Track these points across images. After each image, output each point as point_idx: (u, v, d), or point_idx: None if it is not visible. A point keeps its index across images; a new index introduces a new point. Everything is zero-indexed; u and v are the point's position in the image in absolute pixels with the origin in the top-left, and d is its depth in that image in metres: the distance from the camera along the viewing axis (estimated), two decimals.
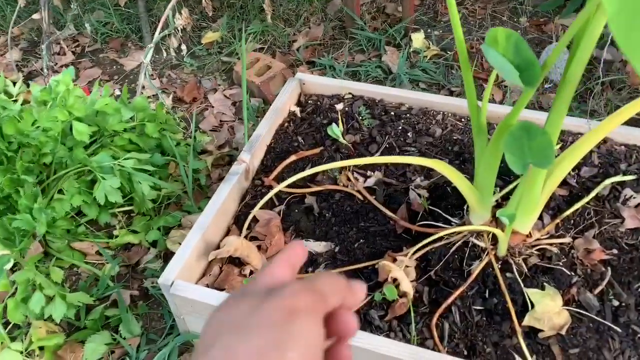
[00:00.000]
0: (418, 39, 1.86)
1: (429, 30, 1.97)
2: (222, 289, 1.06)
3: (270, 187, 1.22)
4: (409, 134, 1.31)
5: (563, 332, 0.96)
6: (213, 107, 1.79)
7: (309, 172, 1.00)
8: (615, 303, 1.00)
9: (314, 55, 1.94)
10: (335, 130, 1.25)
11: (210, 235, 1.10)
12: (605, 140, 1.24)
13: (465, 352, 0.96)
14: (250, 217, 1.00)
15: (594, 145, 0.91)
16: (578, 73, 0.72)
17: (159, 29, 1.59)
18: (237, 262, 1.10)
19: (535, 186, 0.92)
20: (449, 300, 1.00)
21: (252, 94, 1.79)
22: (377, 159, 1.01)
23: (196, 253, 1.06)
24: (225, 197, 1.13)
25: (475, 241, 1.05)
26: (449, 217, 1.12)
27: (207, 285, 1.07)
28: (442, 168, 0.96)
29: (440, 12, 2.07)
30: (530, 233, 1.05)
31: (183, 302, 1.01)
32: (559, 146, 1.23)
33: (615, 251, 1.07)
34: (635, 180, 1.16)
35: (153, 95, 1.81)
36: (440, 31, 1.98)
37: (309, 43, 1.99)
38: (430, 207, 1.17)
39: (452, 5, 0.76)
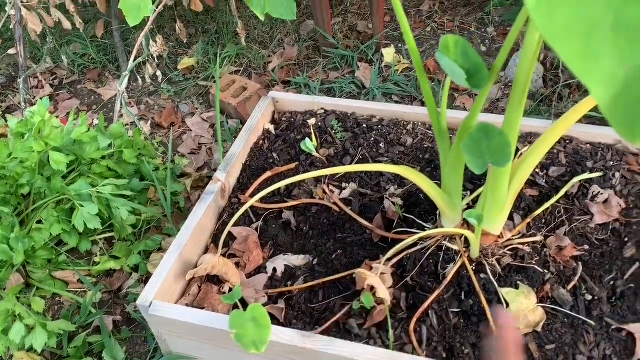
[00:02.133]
0: (389, 54, 1.90)
1: (399, 45, 2.02)
2: (201, 308, 1.06)
3: None
4: (381, 145, 1.34)
5: (539, 329, 0.97)
6: (191, 130, 1.81)
7: (280, 184, 1.02)
8: (589, 297, 1.02)
9: (289, 75, 1.98)
10: (309, 145, 1.28)
11: (187, 255, 1.11)
12: (571, 140, 1.27)
13: (444, 355, 0.97)
14: (225, 234, 1.01)
15: (554, 143, 0.93)
16: (526, 73, 0.75)
17: (132, 57, 1.62)
18: (215, 280, 1.11)
19: (500, 187, 0.94)
20: (426, 305, 1.01)
21: (230, 115, 1.81)
22: (347, 168, 1.03)
23: (174, 273, 1.07)
24: (201, 216, 1.14)
25: (449, 244, 1.07)
26: (423, 223, 1.14)
27: (187, 305, 1.08)
28: (410, 174, 0.98)
29: (410, 27, 2.11)
30: (501, 234, 1.07)
31: (163, 323, 1.01)
32: (526, 148, 1.26)
33: (586, 247, 1.09)
34: (601, 176, 1.19)
35: (131, 122, 1.83)
36: None
37: (284, 63, 2.03)
38: (405, 214, 1.19)
39: (402, 17, 0.79)
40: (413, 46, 0.83)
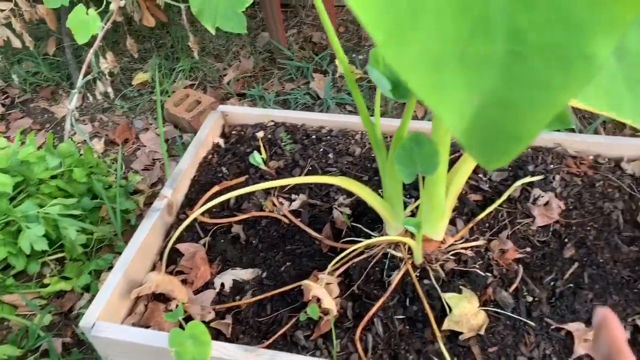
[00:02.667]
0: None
1: (353, 55, 2.04)
2: (148, 327, 1.05)
3: (195, 220, 1.23)
4: (330, 155, 1.35)
5: (482, 332, 0.99)
6: (145, 146, 1.80)
7: (227, 196, 1.02)
8: (529, 299, 1.04)
9: (245, 87, 1.98)
10: (257, 158, 1.28)
11: (133, 274, 1.10)
12: None
13: None
14: (167, 250, 1.01)
15: None
16: None
17: (81, 74, 1.60)
18: (162, 298, 1.10)
19: (436, 194, 0.96)
20: (371, 313, 1.02)
21: (184, 129, 1.80)
22: (288, 181, 1.03)
23: (119, 293, 1.05)
24: (147, 234, 1.13)
25: (393, 252, 1.08)
26: (370, 232, 1.16)
27: (134, 324, 1.06)
28: (350, 185, 0.99)
29: (363, 37, 2.14)
30: (444, 239, 1.09)
31: (107, 344, 1.00)
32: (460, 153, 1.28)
33: (528, 249, 1.11)
34: (542, 179, 1.22)
35: (83, 141, 1.81)
36: (364, 55, 2.05)
37: (240, 76, 2.03)
38: (353, 223, 1.20)
39: (329, 27, 0.80)
40: (342, 56, 0.84)
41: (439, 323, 0.99)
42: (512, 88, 0.35)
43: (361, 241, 1.14)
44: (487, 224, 1.17)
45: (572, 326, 0.98)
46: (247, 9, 0.98)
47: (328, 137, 1.40)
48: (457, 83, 0.35)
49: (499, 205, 1.18)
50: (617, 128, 1.61)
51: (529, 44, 0.34)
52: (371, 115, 0.95)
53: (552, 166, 1.24)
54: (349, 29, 2.20)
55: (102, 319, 1.01)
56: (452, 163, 1.04)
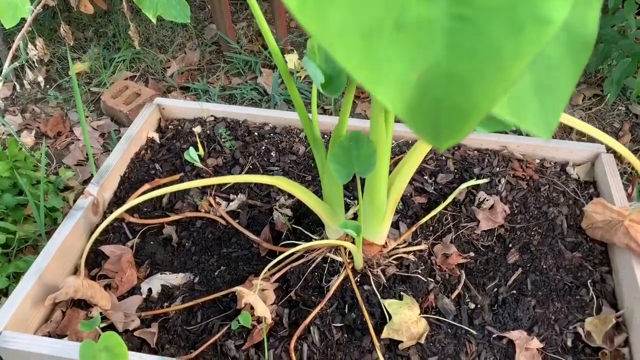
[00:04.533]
0: (292, 60, 1.86)
1: (303, 51, 1.98)
2: (64, 336, 0.96)
3: (123, 221, 1.15)
4: (272, 154, 1.28)
5: (422, 341, 0.95)
6: (79, 140, 1.68)
7: (155, 193, 0.94)
8: (472, 306, 1.00)
9: (189, 81, 1.89)
10: (192, 154, 1.20)
11: (51, 278, 1.00)
12: (459, 147, 1.27)
13: None
14: (85, 251, 0.92)
15: (429, 149, 0.91)
16: None
17: (7, 61, 1.48)
18: (83, 304, 1.02)
19: (377, 196, 0.91)
20: (307, 321, 0.96)
21: (122, 123, 1.70)
22: (223, 179, 0.96)
23: (32, 299, 0.96)
24: (67, 235, 1.04)
25: (333, 256, 1.03)
26: (311, 235, 1.10)
27: (49, 333, 0.97)
28: (286, 186, 0.93)
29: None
30: (386, 243, 1.04)
31: (15, 356, 0.91)
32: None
33: (471, 254, 1.08)
34: (488, 182, 1.19)
35: (9, 134, 1.68)
36: None
37: (184, 68, 1.94)
38: (294, 226, 1.14)
39: (258, 13, 0.74)
40: (275, 49, 0.78)
41: (379, 331, 0.94)
42: (459, 58, 0.30)
43: (301, 244, 1.08)
44: (431, 228, 1.13)
45: (514, 334, 0.95)
46: None
47: (271, 134, 1.33)
48: (393, 55, 0.29)
49: (443, 209, 1.14)
50: (564, 132, 1.61)
51: (476, 5, 0.29)
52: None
53: (498, 169, 1.22)
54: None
55: (11, 328, 0.91)
56: (395, 165, 1.00)
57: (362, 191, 0.94)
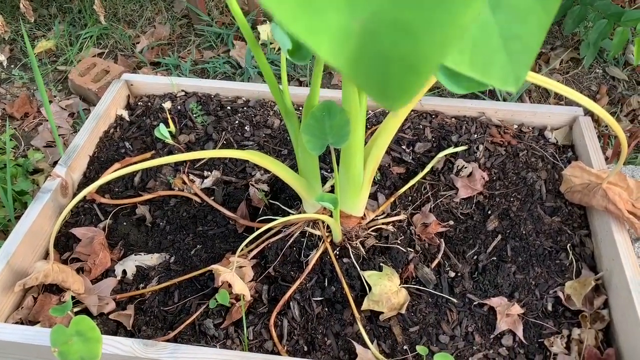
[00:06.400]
0: (265, 32, 1.81)
1: None
2: (36, 322, 0.94)
3: (94, 202, 1.11)
4: (246, 128, 1.25)
5: (403, 311, 0.94)
6: (47, 120, 1.63)
7: (125, 170, 0.91)
8: (452, 274, 1.00)
9: (160, 56, 1.83)
10: (163, 131, 1.16)
11: (20, 263, 0.97)
12: (436, 115, 1.25)
13: (305, 348, 0.91)
14: (53, 234, 0.89)
15: (404, 118, 0.89)
16: None
17: None
18: (55, 289, 0.99)
19: (353, 167, 0.88)
20: (287, 296, 0.95)
21: (91, 101, 1.65)
22: (197, 154, 0.92)
23: (1, 285, 0.93)
24: (35, 218, 1.00)
25: (311, 230, 1.01)
26: (288, 209, 1.08)
27: (21, 320, 0.94)
28: (260, 159, 0.91)
29: None
30: (365, 214, 1.03)
31: None
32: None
33: (451, 222, 1.07)
34: (466, 150, 1.17)
35: None
36: None
37: (154, 43, 1.88)
38: (271, 201, 1.12)
39: None
40: (241, 18, 0.74)
41: (359, 303, 0.93)
42: (405, 4, 0.27)
43: (278, 220, 1.06)
44: (409, 198, 1.11)
45: (495, 301, 0.95)
46: None
47: (244, 108, 1.30)
48: (333, 5, 0.27)
49: (422, 178, 1.13)
50: (542, 96, 1.60)
51: None
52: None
53: (475, 136, 1.20)
54: None
55: None
56: (372, 135, 0.98)
57: (338, 163, 0.92)
